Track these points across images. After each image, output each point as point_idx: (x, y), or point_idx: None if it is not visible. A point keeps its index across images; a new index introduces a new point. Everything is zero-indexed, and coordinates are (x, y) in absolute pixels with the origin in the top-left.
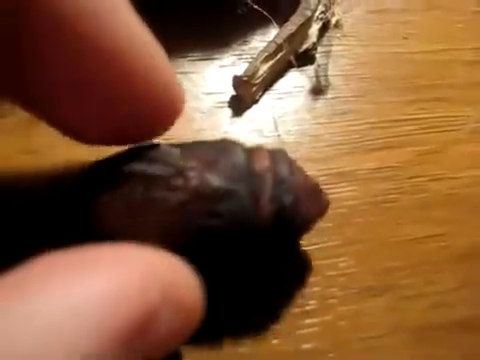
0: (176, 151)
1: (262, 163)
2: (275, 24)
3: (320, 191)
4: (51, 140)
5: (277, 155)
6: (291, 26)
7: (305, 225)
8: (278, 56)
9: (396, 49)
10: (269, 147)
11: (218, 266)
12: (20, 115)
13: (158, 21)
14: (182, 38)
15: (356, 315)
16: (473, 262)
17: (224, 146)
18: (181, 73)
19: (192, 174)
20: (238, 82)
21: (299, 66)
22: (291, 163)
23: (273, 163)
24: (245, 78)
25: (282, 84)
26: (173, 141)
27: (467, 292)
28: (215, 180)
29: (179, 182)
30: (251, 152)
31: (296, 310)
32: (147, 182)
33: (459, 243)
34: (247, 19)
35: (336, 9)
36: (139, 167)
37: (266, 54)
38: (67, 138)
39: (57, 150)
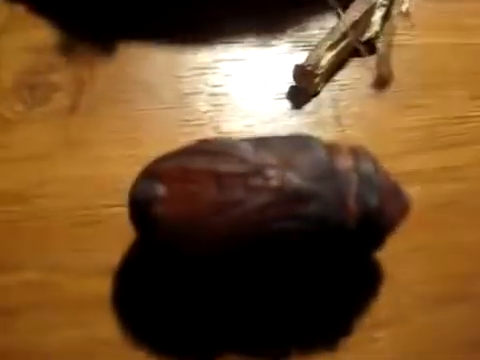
0: (249, 146)
1: (345, 161)
2: (334, 10)
3: (401, 190)
4: (92, 133)
5: (358, 151)
6: (355, 13)
7: (390, 227)
8: (341, 44)
9: (464, 40)
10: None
11: (291, 272)
12: (57, 104)
13: (211, 5)
14: (235, 23)
15: (434, 327)
16: None
17: (302, 142)
18: (234, 60)
19: (272, 173)
20: (299, 72)
21: (361, 56)
22: (374, 160)
23: (356, 161)
24: (308, 68)
25: (343, 75)
26: (231, 135)
27: None
28: (296, 180)
29: (258, 182)
30: (331, 149)
31: (367, 322)
32: (219, 181)
33: None
34: (304, 4)
35: None
36: (209, 163)
37: (330, 42)
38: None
39: (99, 145)
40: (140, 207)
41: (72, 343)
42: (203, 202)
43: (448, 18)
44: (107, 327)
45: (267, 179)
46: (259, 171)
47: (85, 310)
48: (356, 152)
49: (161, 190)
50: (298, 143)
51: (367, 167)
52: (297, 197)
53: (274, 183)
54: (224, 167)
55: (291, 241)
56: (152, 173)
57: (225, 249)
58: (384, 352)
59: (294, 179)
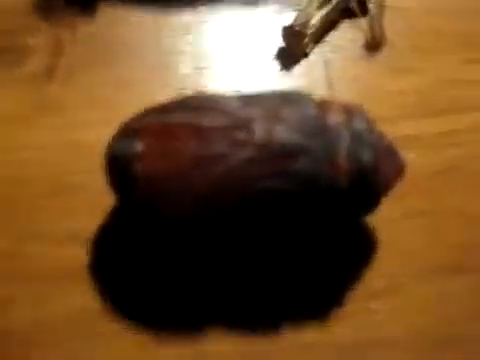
0: (235, 100)
1: (336, 116)
2: None
3: (396, 151)
4: (69, 96)
5: (351, 108)
6: None
7: (385, 188)
8: (333, 3)
9: (458, 3)
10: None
11: (278, 235)
12: (32, 67)
13: None
14: None
15: (431, 298)
16: None
17: (291, 97)
18: (221, 20)
19: (258, 126)
20: (288, 33)
21: (350, 17)
22: (368, 118)
23: (349, 117)
24: (296, 28)
25: (334, 37)
26: None
27: None
28: (284, 134)
29: (241, 135)
30: (323, 104)
31: (361, 292)
32: (201, 135)
33: None
34: None
35: None
36: (191, 118)
37: (318, 2)
38: (88, 94)
39: (75, 109)
40: (118, 165)
41: (39, 317)
42: (184, 158)
43: None
44: (84, 298)
45: (252, 133)
46: (244, 124)
47: (58, 280)
48: (349, 109)
49: (140, 146)
50: (287, 98)
51: (360, 124)
52: (284, 153)
53: (260, 137)
54: (207, 121)
55: (277, 201)
56: (131, 129)
57: (206, 209)
58: (383, 324)
59: (281, 133)
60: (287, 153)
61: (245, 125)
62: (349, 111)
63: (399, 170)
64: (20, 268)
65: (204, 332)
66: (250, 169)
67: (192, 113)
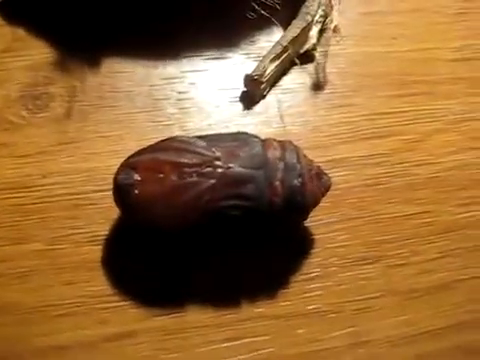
0: (203, 143)
1: (274, 152)
2: (278, 26)
3: (322, 174)
4: (83, 134)
5: (286, 145)
6: (294, 29)
7: (313, 202)
8: (283, 56)
9: (386, 48)
10: (277, 138)
11: (237, 239)
12: (54, 111)
13: (175, 24)
14: (197, 40)
15: (352, 281)
16: (453, 234)
17: (244, 139)
18: (197, 71)
19: (219, 163)
20: (248, 80)
21: (301, 64)
22: (298, 151)
23: (283, 152)
24: (255, 77)
25: (286, 81)
26: (193, 133)
27: (448, 261)
28: (237, 168)
29: (207, 169)
30: (265, 143)
31: (302, 277)
32: (179, 169)
33: (441, 219)
34: (254, 22)
35: (334, 15)
36: (172, 157)
37: (273, 55)
38: (98, 131)
39: (88, 143)
40: (121, 190)
41: (68, 297)
42: (167, 185)
43: (377, 30)
44: (96, 285)
45: (215, 167)
46: (209, 161)
47: (79, 272)
48: (284, 145)
49: (137, 177)
50: (241, 139)
51: (291, 157)
52: (237, 181)
53: (219, 170)
54: (183, 159)
55: (234, 215)
56: (130, 164)
57: (184, 222)
58: (315, 300)
59: (235, 167)
60: (239, 181)
61: (210, 162)
62: (284, 147)
63: (325, 188)
64: (52, 263)
65: (185, 307)
66: (214, 193)
67: (173, 153)
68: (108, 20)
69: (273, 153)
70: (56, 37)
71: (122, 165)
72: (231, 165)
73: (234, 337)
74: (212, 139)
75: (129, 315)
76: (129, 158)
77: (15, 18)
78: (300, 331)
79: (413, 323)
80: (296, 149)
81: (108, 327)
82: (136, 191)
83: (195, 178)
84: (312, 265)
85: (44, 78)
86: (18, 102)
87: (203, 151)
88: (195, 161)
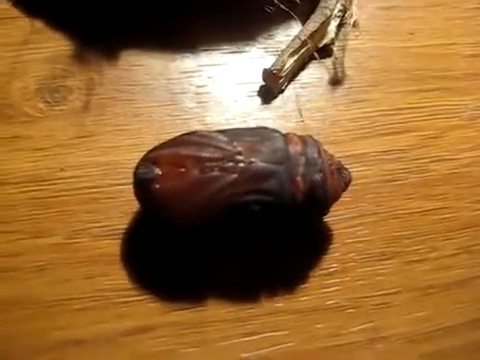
0: (224, 137)
1: (295, 147)
2: (297, 20)
3: (343, 168)
4: (101, 127)
5: (307, 140)
6: (313, 24)
7: (334, 197)
8: (302, 51)
9: (403, 43)
10: (296, 133)
11: (257, 234)
12: (72, 104)
13: (193, 17)
14: (215, 33)
15: (370, 276)
16: (471, 231)
17: (265, 133)
18: (215, 65)
19: (240, 158)
20: (267, 74)
21: (319, 59)
22: (318, 146)
23: (304, 147)
24: (274, 71)
25: (304, 75)
26: (212, 128)
27: (466, 257)
28: (259, 163)
29: (229, 164)
30: (286, 138)
31: (321, 272)
32: (200, 164)
33: (459, 215)
34: (272, 16)
35: (353, 10)
36: (193, 151)
37: (292, 49)
38: (116, 125)
39: (106, 136)
40: (142, 185)
41: (86, 291)
42: (189, 180)
43: (395, 25)
44: (115, 279)
45: (237, 162)
46: (231, 156)
47: (97, 266)
48: (305, 140)
49: (157, 171)
50: (262, 134)
51: (312, 151)
52: (259, 176)
53: (242, 165)
54: (205, 153)
55: (255, 209)
56: (150, 159)
57: (205, 217)
58: (334, 295)
59: (257, 162)
60: (261, 176)
61: (232, 157)
62: (305, 142)
63: (345, 183)
64: (71, 256)
65: (204, 302)
66: (235, 188)
67: (194, 147)
68: (126, 13)
69: (295, 148)
70: (74, 30)
71: (142, 159)
72: (253, 160)
73: (253, 332)
74: (233, 133)
75: (148, 309)
76: (149, 152)
77: (33, 10)
78: (319, 326)
79: (431, 319)
80: (317, 144)
81: (127, 321)
82: (157, 186)
83: (217, 172)
84: (331, 260)
85: (62, 71)
86: (36, 95)
87: (224, 145)
88: (217, 155)
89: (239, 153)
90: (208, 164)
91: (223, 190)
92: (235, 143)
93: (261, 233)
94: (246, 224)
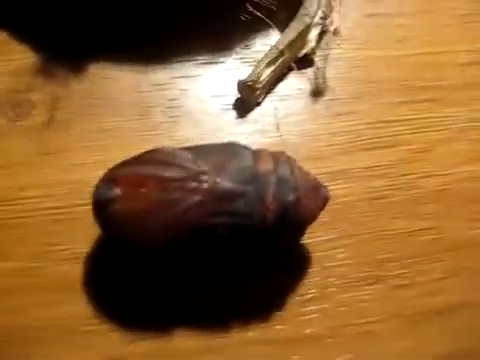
0: (189, 155)
1: (266, 165)
2: (275, 29)
3: (320, 186)
4: (66, 143)
5: (279, 157)
6: (291, 33)
7: (310, 218)
8: (279, 61)
9: (390, 52)
10: (271, 149)
11: (225, 259)
12: (36, 119)
13: (165, 26)
14: (188, 43)
15: (352, 303)
16: (461, 253)
17: (233, 150)
18: (188, 77)
19: (205, 177)
20: (242, 86)
21: (299, 69)
22: (291, 164)
23: (276, 165)
24: (249, 83)
25: (283, 87)
26: (183, 143)
27: (455, 281)
28: (225, 182)
29: (193, 184)
30: (256, 155)
31: (298, 298)
32: (163, 184)
33: (449, 235)
34: (249, 25)
35: (334, 17)
36: (156, 170)
37: (268, 60)
38: (82, 141)
39: (72, 153)
40: (100, 206)
41: (44, 320)
42: (150, 201)
43: (381, 32)
44: (76, 306)
45: (201, 182)
46: (196, 176)
47: (58, 292)
48: (277, 157)
49: (117, 192)
50: (230, 151)
51: (284, 169)
52: (225, 197)
53: (207, 185)
54: (167, 173)
55: (222, 233)
56: (111, 178)
57: (167, 241)
58: (312, 324)
59: (223, 182)
60: (228, 197)
61: (196, 176)
62: (276, 159)
63: (322, 202)
64: (29, 282)
65: (170, 331)
66: (200, 210)
67: (157, 166)
68: (94, 24)
69: (265, 166)
70: (39, 41)
71: (102, 179)
72: (218, 180)
73: None
74: (199, 151)
75: (112, 339)
76: (110, 171)
77: None
78: (295, 357)
79: (417, 349)
80: (289, 161)
81: (89, 352)
82: (116, 207)
83: (180, 193)
84: (309, 286)
85: (25, 84)
86: None
87: (189, 165)
88: (180, 175)
89: (204, 173)
90: (170, 184)
91: (187, 211)
92: (200, 162)
93: (231, 257)
94: (214, 247)
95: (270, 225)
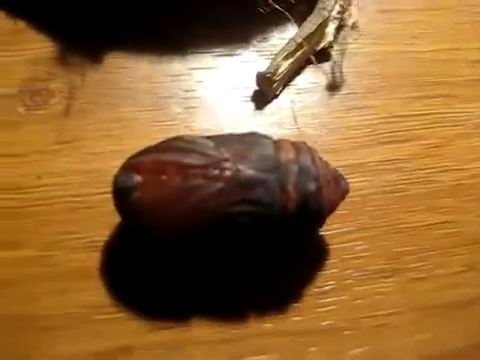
0: (210, 143)
1: (287, 155)
2: (293, 22)
3: (340, 178)
4: (83, 132)
5: (300, 147)
6: (310, 26)
7: (330, 208)
8: (297, 54)
9: (405, 48)
10: (291, 139)
11: (244, 248)
12: (54, 107)
13: (182, 17)
14: (206, 35)
15: (369, 295)
16: (478, 246)
17: (254, 139)
18: (206, 68)
19: (227, 165)
20: (261, 78)
21: (316, 63)
22: (313, 154)
23: (297, 154)
24: (268, 75)
25: (300, 80)
26: (200, 133)
27: (472, 275)
28: (246, 171)
29: (215, 172)
30: (277, 144)
31: (315, 290)
32: (183, 171)
33: (466, 230)
34: (266, 17)
35: (353, 10)
36: (176, 157)
37: (287, 52)
38: (99, 130)
39: (88, 142)
40: (121, 194)
41: (57, 308)
42: (170, 188)
43: (397, 28)
44: (91, 295)
45: (222, 170)
46: (217, 163)
47: (73, 281)
48: (298, 147)
49: (138, 179)
50: (251, 140)
51: (305, 160)
52: (246, 185)
53: (228, 173)
54: (188, 160)
55: (243, 221)
56: (130, 166)
57: (187, 230)
58: (329, 316)
59: (245, 170)
60: (249, 185)
61: (217, 164)
62: (298, 149)
63: (342, 193)
64: (45, 270)
65: (188, 321)
66: (221, 198)
67: (177, 153)
68: (111, 13)
69: (286, 155)
70: (57, 31)
71: (122, 166)
72: (240, 167)
73: (240, 355)
74: (220, 139)
75: (126, 328)
76: (130, 159)
77: (15, 10)
78: (312, 349)
79: (434, 342)
80: (311, 151)
81: (103, 341)
82: (136, 194)
83: (201, 181)
84: (326, 277)
85: (44, 73)
86: (16, 98)
87: (210, 152)
88: (201, 162)
89: (226, 160)
90: (192, 171)
91: (207, 200)
92: (222, 149)
93: (250, 246)
94: (233, 236)
95: (291, 214)
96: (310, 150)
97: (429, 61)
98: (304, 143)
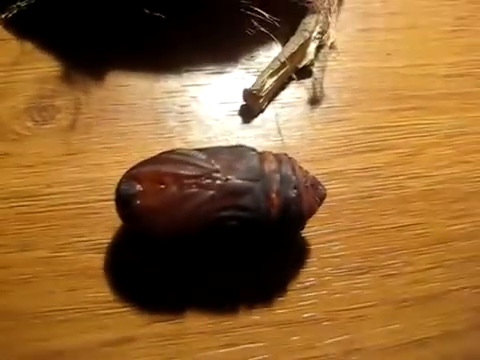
0: (203, 156)
1: (270, 165)
2: (277, 42)
3: (318, 184)
4: (87, 145)
5: (281, 158)
6: (292, 46)
7: (307, 213)
8: (281, 72)
9: (382, 64)
10: (273, 151)
11: (234, 248)
12: (60, 122)
13: (177, 40)
14: (198, 54)
15: (346, 290)
16: (445, 246)
17: (241, 151)
18: (198, 85)
19: (218, 175)
20: (247, 94)
21: (298, 79)
22: (293, 163)
23: (279, 165)
24: (254, 91)
25: (284, 95)
26: (194, 146)
27: (439, 271)
28: (236, 180)
29: (208, 181)
30: (261, 156)
31: (298, 285)
32: (180, 181)
33: (434, 231)
34: (254, 38)
35: (331, 32)
36: (173, 168)
37: (271, 70)
38: (102, 143)
39: (92, 154)
40: (123, 201)
41: (69, 303)
42: (168, 196)
43: (373, 46)
44: (97, 291)
45: (214, 179)
46: (209, 173)
47: (81, 279)
48: (280, 158)
49: (138, 188)
50: (239, 153)
51: (286, 169)
52: (235, 192)
53: (218, 182)
54: (183, 171)
55: (232, 224)
56: (131, 176)
57: (182, 233)
58: (310, 308)
59: (233, 179)
60: (237, 192)
61: (209, 174)
62: (279, 160)
63: (320, 198)
64: (55, 269)
65: (184, 314)
66: (212, 204)
67: (174, 165)
68: (112, 35)
69: (269, 166)
70: (62, 51)
71: (124, 176)
72: (229, 177)
73: (231, 343)
74: (211, 152)
75: (129, 321)
76: (131, 169)
77: (23, 32)
78: (295, 338)
79: (404, 331)
80: (291, 161)
81: (108, 332)
82: (138, 201)
83: (195, 189)
84: (308, 274)
85: (50, 91)
86: (25, 113)
87: (203, 163)
88: (195, 173)
89: (217, 171)
90: (187, 181)
91: (201, 206)
92: (213, 161)
93: (239, 247)
94: (224, 239)
95: (274, 218)
96: (290, 160)
97: (403, 76)
98: (285, 154)
